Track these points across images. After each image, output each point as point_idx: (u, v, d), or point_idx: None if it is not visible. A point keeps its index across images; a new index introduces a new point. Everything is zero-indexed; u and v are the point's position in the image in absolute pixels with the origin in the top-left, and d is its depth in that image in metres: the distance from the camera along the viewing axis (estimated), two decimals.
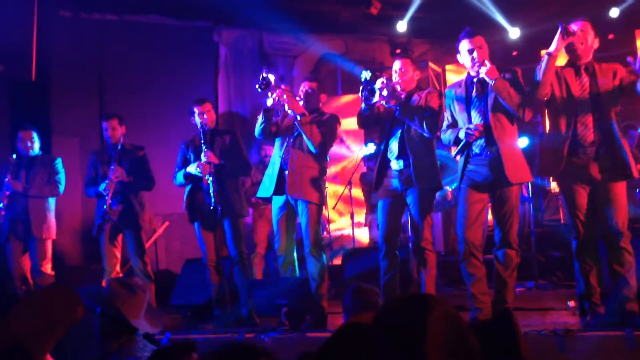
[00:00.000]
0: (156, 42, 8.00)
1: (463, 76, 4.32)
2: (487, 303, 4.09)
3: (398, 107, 4.35)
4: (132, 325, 2.85)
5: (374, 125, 4.64)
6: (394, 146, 4.49)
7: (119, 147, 5.55)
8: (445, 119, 4.35)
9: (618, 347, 3.55)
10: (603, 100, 3.92)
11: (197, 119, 5.07)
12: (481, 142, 4.09)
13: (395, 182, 4.49)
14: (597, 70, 3.98)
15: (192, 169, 5.01)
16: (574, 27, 3.99)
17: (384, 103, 4.38)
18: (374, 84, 4.31)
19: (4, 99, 7.34)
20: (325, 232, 7.68)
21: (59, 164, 5.93)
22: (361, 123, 4.63)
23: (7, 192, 5.71)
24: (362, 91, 4.35)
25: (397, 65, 4.57)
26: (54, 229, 5.90)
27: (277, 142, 4.88)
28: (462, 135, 4.12)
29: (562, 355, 3.57)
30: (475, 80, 4.15)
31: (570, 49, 4.00)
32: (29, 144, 5.84)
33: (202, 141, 5.00)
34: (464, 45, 4.14)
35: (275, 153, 4.87)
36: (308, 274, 4.71)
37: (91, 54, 7.80)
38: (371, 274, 4.73)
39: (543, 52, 7.84)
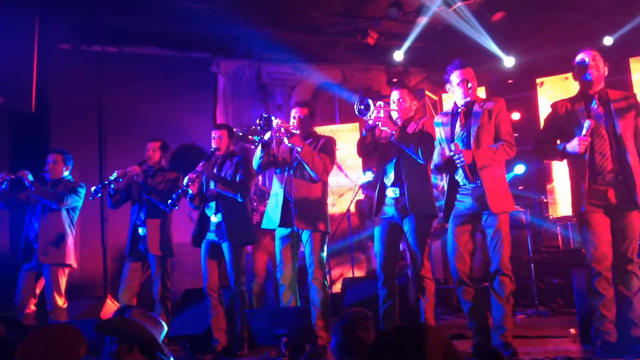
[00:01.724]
0: (155, 73, 8.09)
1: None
2: (487, 330, 4.08)
3: (394, 132, 4.39)
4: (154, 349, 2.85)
5: (373, 152, 4.67)
6: (390, 173, 4.53)
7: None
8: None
9: None
10: (620, 128, 3.94)
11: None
12: (461, 172, 4.12)
13: (391, 210, 4.50)
14: (610, 97, 4.01)
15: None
16: (585, 58, 4.02)
17: (380, 126, 4.41)
18: (369, 99, 4.35)
19: (5, 130, 7.39)
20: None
21: (79, 187, 5.83)
22: (360, 150, 4.66)
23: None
24: (357, 104, 4.38)
25: (395, 95, 4.62)
26: (69, 256, 5.65)
27: (277, 174, 4.91)
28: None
29: None
30: (459, 110, 4.20)
31: (583, 78, 4.03)
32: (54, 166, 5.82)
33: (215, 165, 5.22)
34: (456, 75, 4.20)
35: (276, 184, 4.89)
36: (310, 302, 4.70)
37: (91, 86, 7.88)
38: (371, 301, 4.71)
39: (538, 80, 7.88)
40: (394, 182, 4.49)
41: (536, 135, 4.48)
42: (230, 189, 5.04)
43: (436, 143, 4.32)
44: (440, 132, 4.27)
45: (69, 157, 5.92)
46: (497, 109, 4.14)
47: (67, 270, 5.68)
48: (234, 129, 5.73)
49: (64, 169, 5.86)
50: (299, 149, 4.64)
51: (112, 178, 5.59)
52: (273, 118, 4.62)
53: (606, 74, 4.08)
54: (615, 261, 3.91)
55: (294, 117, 4.86)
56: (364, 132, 4.50)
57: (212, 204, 5.13)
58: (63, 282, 5.63)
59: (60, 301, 5.56)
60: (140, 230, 5.61)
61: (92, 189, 5.54)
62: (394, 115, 4.57)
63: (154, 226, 5.58)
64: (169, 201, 5.06)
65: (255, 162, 4.81)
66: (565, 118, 4.06)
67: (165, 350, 2.87)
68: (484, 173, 4.05)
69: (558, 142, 4.09)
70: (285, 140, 4.66)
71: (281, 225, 4.76)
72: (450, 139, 4.17)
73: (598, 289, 3.90)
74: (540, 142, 4.23)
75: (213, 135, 5.27)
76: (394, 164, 4.51)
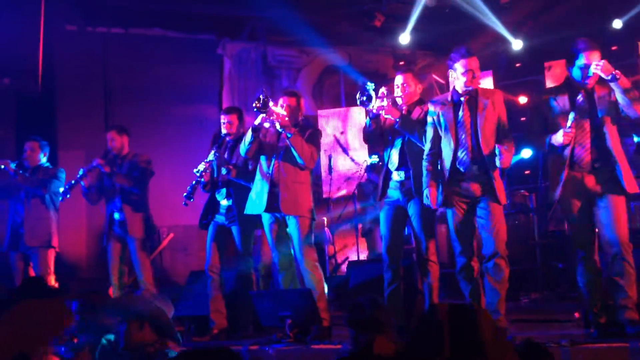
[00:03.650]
0: (161, 55, 8.07)
1: None
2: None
3: (398, 120, 4.39)
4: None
5: (379, 139, 4.67)
6: (394, 157, 4.53)
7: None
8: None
9: (623, 359, 3.54)
10: (601, 117, 3.97)
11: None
12: (467, 160, 4.13)
13: (396, 194, 4.51)
14: (595, 89, 4.02)
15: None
16: (592, 66, 3.92)
17: (383, 114, 4.40)
18: (371, 90, 4.35)
19: (11, 111, 7.40)
20: (330, 245, 7.70)
21: (59, 172, 5.97)
22: (366, 138, 4.71)
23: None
24: (359, 96, 4.39)
25: (399, 79, 4.60)
26: (55, 238, 5.86)
27: (263, 160, 4.90)
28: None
29: None
30: (462, 99, 4.18)
31: (579, 81, 4.01)
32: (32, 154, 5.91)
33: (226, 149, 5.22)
34: (461, 64, 4.17)
35: (261, 170, 4.88)
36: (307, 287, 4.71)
37: (96, 67, 7.87)
38: (375, 284, 4.73)
39: (547, 64, 7.77)
40: (399, 166, 4.50)
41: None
42: (243, 178, 5.05)
43: (428, 128, 4.30)
44: (438, 119, 4.24)
45: (45, 143, 6.06)
46: (498, 100, 4.19)
47: (53, 252, 5.87)
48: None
49: (41, 156, 6.00)
50: (289, 135, 4.64)
51: (78, 176, 5.57)
52: (270, 101, 4.60)
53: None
54: (604, 247, 3.93)
55: (282, 106, 4.84)
56: (368, 120, 4.51)
57: (223, 189, 5.14)
58: (52, 262, 5.83)
59: (52, 279, 5.75)
60: (117, 215, 5.64)
61: (60, 189, 5.61)
62: (399, 101, 4.56)
63: (130, 210, 5.61)
64: (185, 194, 5.05)
65: (244, 146, 4.80)
66: (549, 109, 4.10)
67: (175, 332, 2.90)
68: (492, 164, 4.08)
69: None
70: (277, 125, 4.65)
71: (267, 210, 4.76)
72: (453, 127, 4.17)
73: (586, 271, 3.96)
74: (529, 134, 4.30)
75: (223, 120, 5.23)
76: (399, 148, 4.51)
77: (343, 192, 8.18)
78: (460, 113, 4.18)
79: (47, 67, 7.01)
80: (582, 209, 4.00)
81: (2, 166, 5.70)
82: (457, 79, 4.20)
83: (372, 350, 2.63)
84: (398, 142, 4.52)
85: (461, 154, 4.14)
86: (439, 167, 4.27)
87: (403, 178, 4.47)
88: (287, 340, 4.46)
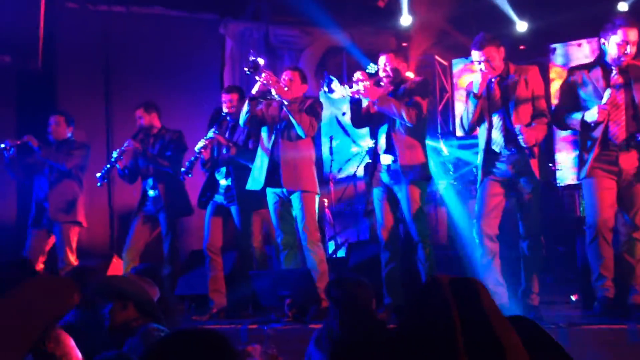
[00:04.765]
0: (162, 34, 8.00)
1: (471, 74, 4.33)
2: (500, 294, 4.09)
3: (376, 101, 4.37)
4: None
5: (367, 123, 4.66)
6: (382, 141, 4.54)
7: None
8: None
9: (621, 340, 3.55)
10: (637, 97, 3.90)
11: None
12: (501, 140, 4.08)
13: (385, 177, 4.53)
14: (630, 67, 3.94)
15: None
16: (628, 44, 3.85)
17: (361, 97, 4.39)
18: (332, 80, 4.39)
19: (12, 89, 7.36)
20: (330, 226, 7.70)
21: (85, 147, 5.89)
22: (353, 122, 4.71)
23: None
24: (323, 85, 4.42)
25: (381, 60, 4.59)
26: (80, 214, 5.75)
27: (264, 133, 4.88)
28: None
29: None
30: (492, 80, 4.13)
31: (613, 60, 3.92)
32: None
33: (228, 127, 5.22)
34: (474, 55, 4.14)
35: (263, 144, 4.86)
36: (308, 266, 4.72)
37: (97, 46, 7.81)
38: (375, 265, 4.74)
39: (551, 47, 7.63)
40: (386, 149, 4.51)
41: (554, 104, 4.42)
42: (243, 157, 5.03)
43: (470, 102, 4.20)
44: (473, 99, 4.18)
45: (71, 118, 5.94)
46: (532, 76, 4.10)
47: (77, 229, 5.77)
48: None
49: (67, 130, 5.87)
50: (286, 102, 4.61)
51: (112, 160, 5.52)
52: (260, 60, 4.56)
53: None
54: (621, 228, 3.90)
55: (284, 79, 4.82)
56: (351, 106, 4.52)
57: (223, 169, 5.13)
58: (74, 239, 5.73)
59: (72, 258, 5.67)
60: (151, 192, 5.59)
61: (97, 175, 5.51)
62: (385, 80, 4.56)
63: (164, 188, 5.54)
64: (183, 169, 5.05)
65: (242, 117, 4.78)
66: (583, 85, 4.01)
67: (159, 312, 2.90)
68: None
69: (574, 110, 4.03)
70: (273, 91, 4.62)
71: (268, 185, 4.74)
72: (486, 107, 4.12)
73: (599, 251, 3.91)
74: (560, 111, 4.18)
75: (224, 99, 5.22)
76: (385, 130, 4.51)
77: (344, 173, 8.17)
78: (492, 94, 4.13)
79: (48, 45, 6.96)
80: (609, 189, 3.93)
81: (28, 142, 5.61)
82: (475, 66, 4.15)
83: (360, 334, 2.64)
84: (385, 126, 4.52)
85: (495, 135, 4.10)
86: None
87: (390, 162, 4.47)
88: (285, 319, 4.48)
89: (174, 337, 1.59)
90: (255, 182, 4.82)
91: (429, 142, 5.29)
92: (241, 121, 4.82)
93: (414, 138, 4.46)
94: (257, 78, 4.59)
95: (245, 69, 4.60)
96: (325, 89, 4.42)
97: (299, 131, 4.67)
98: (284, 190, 4.73)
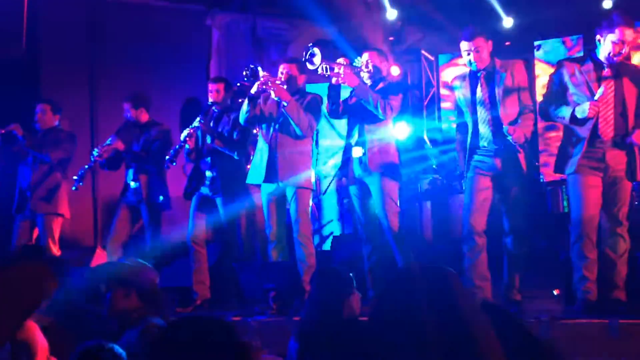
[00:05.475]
0: (148, 24, 7.92)
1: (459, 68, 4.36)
2: (485, 289, 4.10)
3: (355, 87, 4.40)
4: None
5: (341, 114, 4.68)
6: (354, 132, 4.60)
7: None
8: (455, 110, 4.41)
9: (602, 335, 3.58)
10: (626, 93, 3.92)
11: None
12: (489, 134, 4.09)
13: (358, 170, 4.57)
14: (622, 64, 3.95)
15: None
16: (625, 45, 3.84)
17: (340, 81, 4.38)
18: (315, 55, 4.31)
19: None
20: (315, 219, 7.70)
21: (70, 137, 5.85)
22: (330, 110, 4.64)
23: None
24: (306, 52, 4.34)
25: (365, 57, 4.64)
26: (62, 205, 5.72)
27: (263, 128, 4.88)
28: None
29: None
30: (479, 74, 4.14)
31: (607, 58, 3.92)
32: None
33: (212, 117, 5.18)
34: (463, 45, 4.15)
35: (261, 140, 4.87)
36: (297, 258, 4.73)
37: (82, 34, 7.71)
38: (360, 258, 4.75)
39: (536, 43, 7.63)
40: (358, 142, 4.55)
41: (539, 101, 4.41)
42: (228, 147, 5.02)
43: (460, 105, 4.28)
44: (459, 95, 4.23)
45: (58, 106, 5.89)
46: (518, 70, 4.12)
47: (60, 220, 5.72)
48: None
49: (54, 119, 5.81)
50: (285, 103, 4.61)
51: (92, 160, 5.44)
52: (260, 69, 4.58)
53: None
54: (604, 224, 3.93)
55: (282, 73, 4.81)
56: (329, 92, 4.50)
57: (208, 159, 5.12)
58: (57, 231, 5.68)
59: (55, 249, 5.62)
60: (132, 184, 5.55)
61: (74, 177, 5.44)
62: (366, 78, 4.58)
63: (145, 180, 5.50)
64: (167, 157, 5.02)
65: (242, 116, 4.78)
66: (574, 78, 4.00)
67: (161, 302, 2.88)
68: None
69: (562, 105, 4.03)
70: (272, 93, 4.63)
71: (266, 180, 4.75)
72: (472, 103, 4.14)
73: (583, 252, 3.92)
74: (546, 104, 4.16)
75: (210, 88, 5.20)
76: (358, 123, 4.55)
77: (329, 166, 8.17)
78: (478, 89, 4.14)
79: (31, 33, 6.87)
80: (594, 187, 3.93)
81: (13, 131, 5.54)
82: (464, 58, 4.18)
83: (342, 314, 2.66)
84: (358, 117, 4.55)
85: (482, 129, 4.12)
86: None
87: (361, 154, 4.50)
88: (270, 312, 4.48)
89: (182, 324, 1.57)
90: (255, 176, 4.83)
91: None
92: (241, 120, 4.83)
93: (385, 132, 4.57)
94: (255, 86, 4.62)
95: (244, 72, 4.60)
96: (307, 56, 4.32)
97: (297, 131, 4.70)
98: (279, 183, 4.73)
